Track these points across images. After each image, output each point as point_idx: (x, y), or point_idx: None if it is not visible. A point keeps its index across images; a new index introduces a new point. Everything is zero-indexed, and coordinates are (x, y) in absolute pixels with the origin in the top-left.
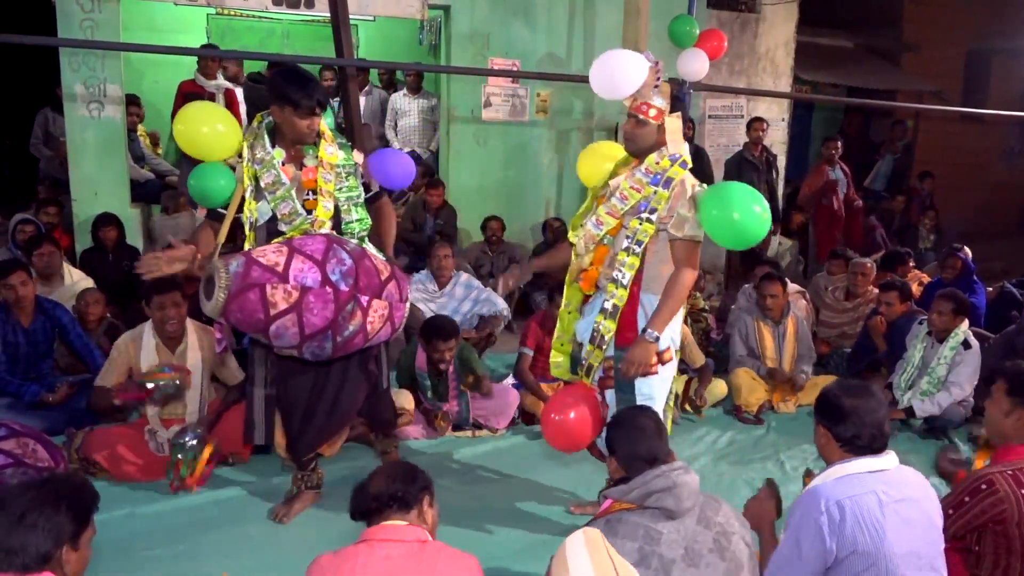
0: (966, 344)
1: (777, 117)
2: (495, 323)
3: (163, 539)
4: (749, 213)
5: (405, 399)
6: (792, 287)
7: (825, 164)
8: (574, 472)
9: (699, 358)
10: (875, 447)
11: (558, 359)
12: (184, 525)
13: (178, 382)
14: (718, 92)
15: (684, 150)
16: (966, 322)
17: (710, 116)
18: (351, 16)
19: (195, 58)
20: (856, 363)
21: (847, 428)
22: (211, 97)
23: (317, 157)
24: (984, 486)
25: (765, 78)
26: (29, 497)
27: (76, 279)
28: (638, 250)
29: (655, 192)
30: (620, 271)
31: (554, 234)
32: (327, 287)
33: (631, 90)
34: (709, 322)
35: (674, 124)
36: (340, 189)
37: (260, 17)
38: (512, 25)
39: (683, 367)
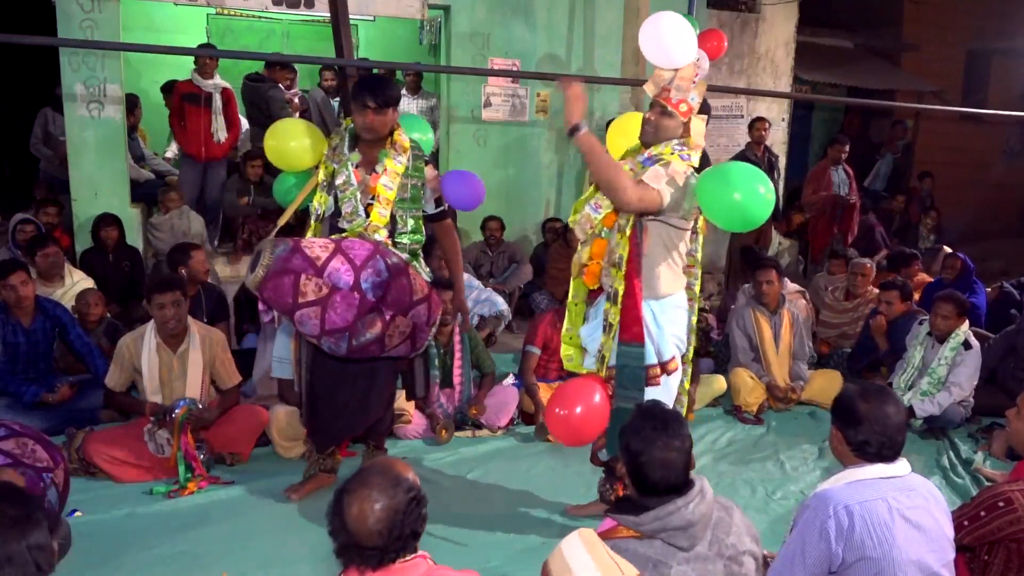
0: (967, 344)
1: (777, 117)
2: (495, 323)
3: (163, 539)
4: (753, 194)
5: (405, 401)
6: (792, 287)
7: (830, 164)
8: (574, 473)
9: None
10: (885, 455)
11: (569, 352)
12: (184, 525)
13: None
14: (718, 92)
15: (696, 150)
16: (967, 322)
17: (710, 116)
18: (351, 16)
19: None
20: (856, 363)
21: (858, 433)
22: (208, 97)
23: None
24: (1002, 503)
25: (765, 78)
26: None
27: (76, 279)
28: (627, 228)
29: (644, 171)
30: (617, 254)
31: (554, 234)
32: (355, 292)
33: (685, 61)
34: (709, 322)
35: (699, 127)
36: (402, 200)
37: (260, 17)
38: (512, 25)
39: None
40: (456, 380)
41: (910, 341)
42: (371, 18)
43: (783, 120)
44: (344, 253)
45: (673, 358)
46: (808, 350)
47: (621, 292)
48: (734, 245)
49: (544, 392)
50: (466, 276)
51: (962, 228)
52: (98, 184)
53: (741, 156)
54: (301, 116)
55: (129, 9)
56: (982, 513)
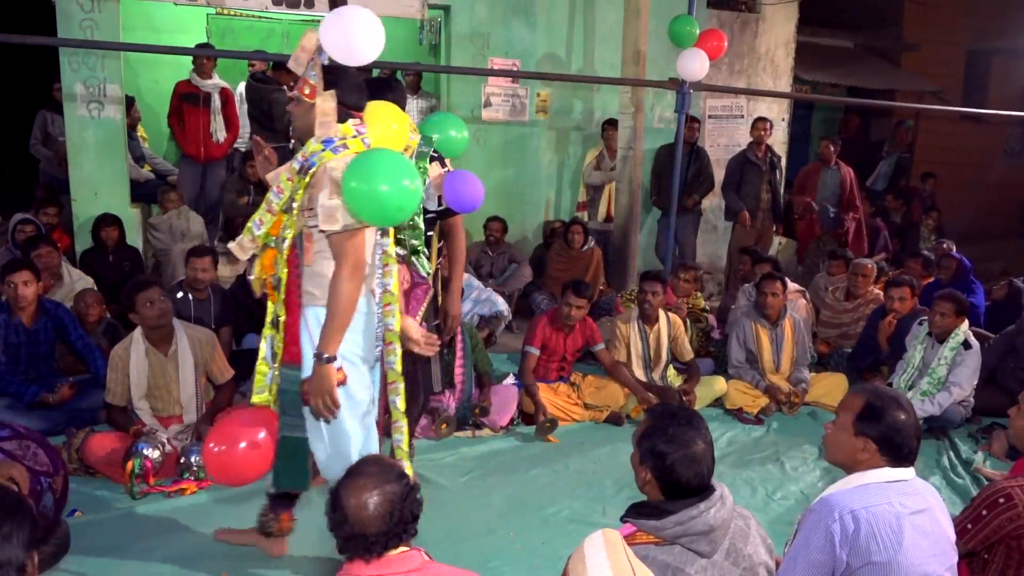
0: (966, 344)
1: (777, 117)
2: (495, 323)
3: (163, 539)
4: (397, 186)
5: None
6: (792, 286)
7: (821, 164)
8: (574, 472)
9: (687, 353)
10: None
11: (262, 383)
12: (184, 525)
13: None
14: (718, 92)
15: (337, 132)
16: (966, 322)
17: (710, 116)
18: None
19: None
20: (857, 363)
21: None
22: (207, 97)
23: None
24: (1002, 500)
25: (765, 78)
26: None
27: (75, 279)
28: (284, 247)
29: (298, 180)
30: (275, 276)
31: (554, 235)
32: None
33: (372, 56)
34: (709, 322)
35: (327, 104)
36: None
37: (260, 17)
38: (512, 25)
39: (675, 364)
40: (458, 379)
41: (910, 341)
42: None
43: (783, 120)
44: None
45: (340, 368)
46: (808, 351)
47: (283, 317)
48: (734, 245)
49: (544, 392)
50: (466, 276)
51: (962, 228)
52: (98, 184)
53: (742, 156)
54: None
55: (129, 9)
56: (983, 512)
